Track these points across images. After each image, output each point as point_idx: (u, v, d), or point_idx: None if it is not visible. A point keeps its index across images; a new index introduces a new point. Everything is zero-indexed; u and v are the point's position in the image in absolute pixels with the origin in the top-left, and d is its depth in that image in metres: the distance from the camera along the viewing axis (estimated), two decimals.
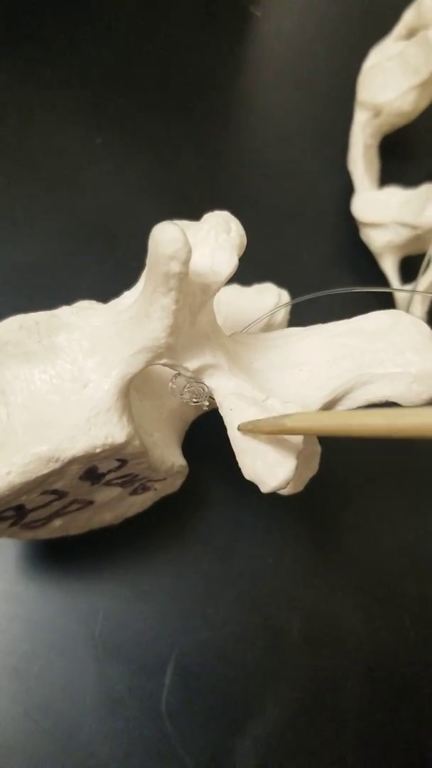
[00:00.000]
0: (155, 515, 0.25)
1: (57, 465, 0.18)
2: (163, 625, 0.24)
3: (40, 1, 0.37)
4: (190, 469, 0.23)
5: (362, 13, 0.39)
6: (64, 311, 0.20)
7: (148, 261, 0.17)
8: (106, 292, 0.22)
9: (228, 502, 0.26)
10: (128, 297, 0.21)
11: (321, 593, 0.25)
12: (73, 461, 0.19)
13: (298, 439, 0.19)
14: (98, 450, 0.19)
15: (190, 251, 0.16)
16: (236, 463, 0.21)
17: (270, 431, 0.18)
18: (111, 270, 0.29)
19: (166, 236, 0.16)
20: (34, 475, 0.18)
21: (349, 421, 0.15)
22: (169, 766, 0.22)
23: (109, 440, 0.19)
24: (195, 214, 0.21)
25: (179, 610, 0.24)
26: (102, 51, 0.36)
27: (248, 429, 0.19)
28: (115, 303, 0.21)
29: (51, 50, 0.36)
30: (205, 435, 0.24)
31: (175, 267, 0.16)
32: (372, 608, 0.25)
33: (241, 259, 0.21)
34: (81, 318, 0.20)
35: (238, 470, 0.22)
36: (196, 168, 0.34)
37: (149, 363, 0.19)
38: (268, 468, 0.19)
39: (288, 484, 0.19)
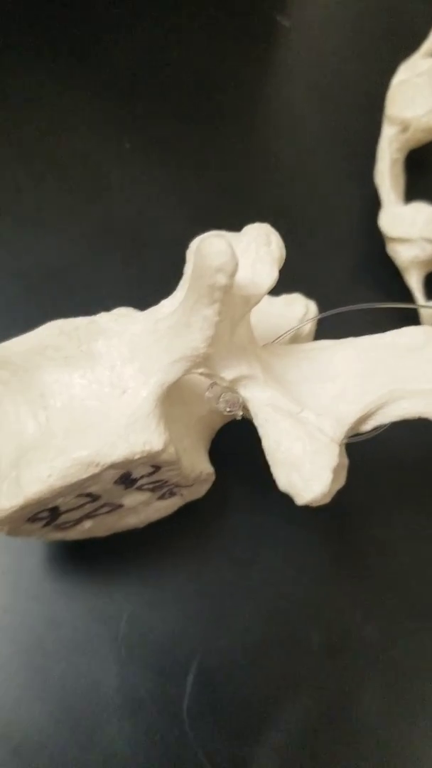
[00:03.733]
0: (179, 521, 0.25)
1: (97, 470, 0.19)
2: (184, 630, 0.24)
3: (72, 9, 0.37)
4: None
5: (390, 26, 0.39)
6: (103, 317, 0.21)
7: (193, 272, 0.17)
8: (131, 296, 0.23)
9: (250, 511, 0.27)
10: (167, 306, 0.21)
11: (341, 605, 0.26)
12: (112, 467, 0.19)
13: (335, 453, 0.20)
14: (137, 456, 0.19)
15: (237, 264, 0.17)
16: (259, 471, 0.21)
17: None
18: (137, 274, 0.29)
19: (214, 248, 0.16)
20: (74, 479, 0.19)
21: None
22: None
23: (147, 447, 0.19)
24: (219, 221, 0.21)
25: (200, 617, 0.25)
26: (132, 58, 0.36)
27: None
28: (153, 311, 0.21)
29: (82, 57, 0.36)
30: (229, 443, 0.25)
31: (222, 279, 0.17)
32: (392, 622, 0.25)
33: None
34: (120, 325, 0.20)
35: (261, 479, 0.22)
36: (222, 176, 0.34)
37: (187, 372, 0.19)
38: (304, 481, 0.19)
39: (324, 497, 0.19)
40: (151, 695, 0.23)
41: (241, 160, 0.35)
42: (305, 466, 0.19)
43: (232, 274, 0.17)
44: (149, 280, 0.24)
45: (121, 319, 0.21)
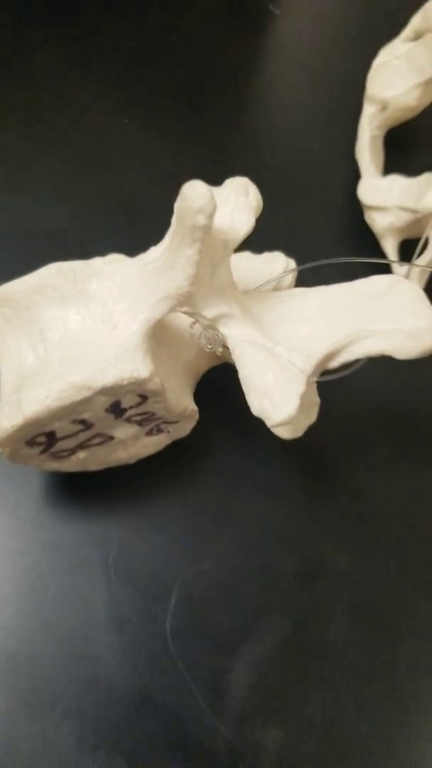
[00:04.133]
0: (166, 458, 0.27)
1: (88, 393, 0.21)
2: (169, 555, 0.27)
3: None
4: (199, 419, 0.26)
5: (373, 14, 0.42)
6: (97, 261, 0.23)
7: (176, 215, 0.20)
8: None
9: (232, 451, 0.29)
10: (154, 251, 0.24)
11: (314, 537, 0.28)
12: (102, 391, 0.21)
13: (303, 382, 0.22)
14: (125, 382, 0.21)
15: (215, 206, 0.19)
16: (242, 416, 0.23)
17: None
18: (132, 238, 0.31)
19: (195, 191, 0.19)
20: (68, 401, 0.21)
21: None
22: (171, 680, 0.25)
23: (135, 374, 0.21)
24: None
25: (184, 544, 0.27)
26: (132, 40, 0.39)
27: None
28: (142, 256, 0.24)
29: (86, 36, 0.39)
30: (215, 389, 0.27)
31: (201, 220, 0.19)
32: (360, 553, 0.28)
33: (254, 233, 0.23)
34: (112, 268, 0.23)
35: (243, 423, 0.24)
36: (215, 151, 0.37)
37: (172, 309, 0.22)
38: (274, 406, 0.22)
39: (291, 420, 0.22)
40: (137, 613, 0.26)
41: (233, 136, 0.37)
42: (276, 393, 0.22)
43: (211, 215, 0.19)
44: (142, 242, 0.26)
45: (113, 263, 0.23)
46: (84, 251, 0.31)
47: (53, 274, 0.22)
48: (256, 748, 0.24)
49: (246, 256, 0.29)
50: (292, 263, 0.28)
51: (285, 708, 0.25)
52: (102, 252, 0.24)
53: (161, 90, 0.37)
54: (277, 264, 0.28)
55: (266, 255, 0.28)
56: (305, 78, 0.40)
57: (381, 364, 0.24)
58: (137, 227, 0.33)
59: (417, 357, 0.22)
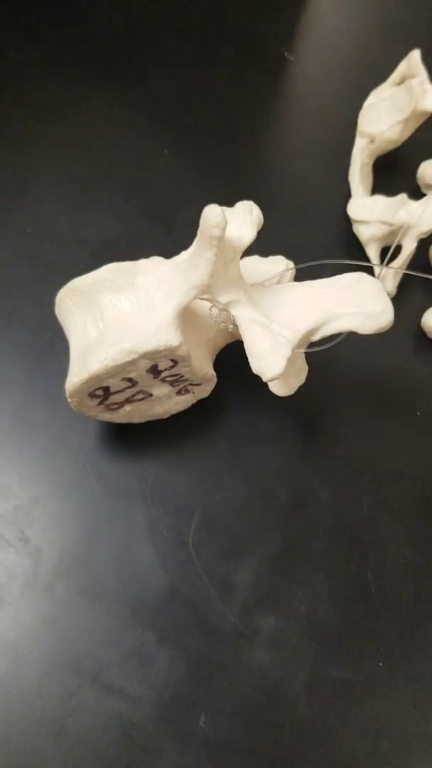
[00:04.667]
0: (192, 414, 0.35)
1: (135, 356, 0.28)
2: (192, 487, 0.34)
3: (130, 49, 0.48)
4: (217, 383, 0.33)
5: (369, 63, 0.48)
6: (142, 261, 0.30)
7: (200, 228, 0.27)
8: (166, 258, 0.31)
9: (242, 408, 0.36)
10: (184, 255, 0.31)
11: (303, 474, 0.35)
12: (145, 355, 0.28)
13: (289, 348, 0.29)
14: (161, 348, 0.28)
15: (226, 222, 0.27)
16: (249, 381, 0.31)
17: None
18: (168, 244, 0.37)
19: (212, 212, 0.26)
20: (120, 362, 0.28)
21: None
22: (192, 579, 0.32)
23: (168, 343, 0.28)
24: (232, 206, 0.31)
25: (203, 479, 0.34)
26: (170, 84, 0.46)
27: None
28: (175, 258, 0.31)
29: (134, 84, 0.46)
30: (229, 362, 0.34)
31: (216, 232, 0.27)
32: (339, 486, 0.35)
33: (260, 242, 0.31)
34: (153, 265, 0.29)
35: (250, 387, 0.31)
36: (235, 175, 0.44)
37: (196, 296, 0.29)
38: (268, 365, 0.29)
39: (279, 375, 0.29)
40: (167, 529, 0.33)
41: (250, 163, 0.44)
42: (269, 356, 0.29)
43: (224, 229, 0.27)
44: (176, 247, 0.33)
45: (154, 263, 0.30)
46: (131, 254, 0.39)
47: (111, 270, 0.29)
48: (255, 630, 0.32)
49: (255, 258, 0.36)
50: (291, 264, 0.36)
51: (277, 601, 0.32)
52: (146, 255, 0.31)
53: (193, 127, 0.45)
54: (279, 265, 0.35)
55: (271, 258, 0.36)
56: (311, 114, 0.47)
57: (364, 341, 0.31)
58: (172, 236, 0.40)
59: (374, 332, 0.30)
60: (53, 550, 0.33)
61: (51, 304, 0.30)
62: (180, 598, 0.32)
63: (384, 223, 0.38)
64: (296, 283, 0.32)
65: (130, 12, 0.50)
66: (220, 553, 0.33)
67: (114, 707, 0.30)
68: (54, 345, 0.37)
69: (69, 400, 0.30)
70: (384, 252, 0.40)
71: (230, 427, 0.36)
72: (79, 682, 0.30)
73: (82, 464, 0.34)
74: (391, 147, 0.42)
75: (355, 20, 0.53)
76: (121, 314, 0.29)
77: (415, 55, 0.41)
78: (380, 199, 0.39)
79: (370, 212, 0.39)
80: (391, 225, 0.38)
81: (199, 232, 0.27)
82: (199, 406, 0.35)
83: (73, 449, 0.35)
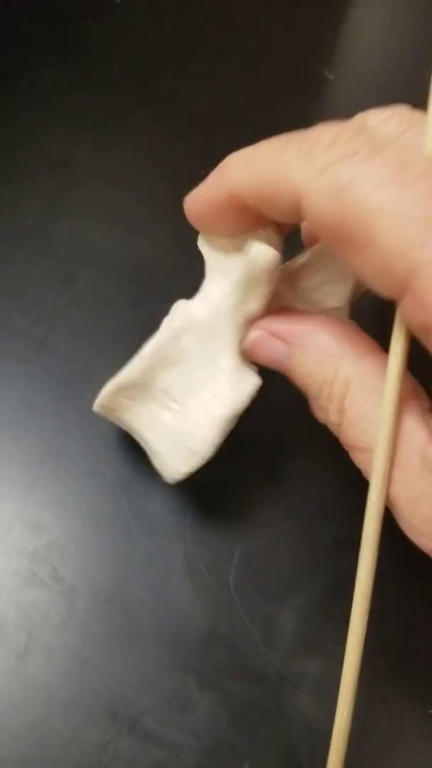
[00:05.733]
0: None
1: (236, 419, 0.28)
2: (232, 523, 0.33)
3: (162, 62, 0.47)
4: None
5: (408, 81, 0.47)
6: (175, 321, 0.28)
7: (248, 270, 0.26)
8: (197, 282, 0.30)
9: (285, 442, 0.35)
10: (212, 293, 0.29)
11: (352, 510, 0.33)
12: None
13: None
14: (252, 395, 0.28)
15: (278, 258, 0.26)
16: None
17: None
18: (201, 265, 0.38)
19: (260, 252, 0.26)
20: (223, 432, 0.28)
21: None
22: (233, 620, 0.31)
23: (255, 387, 0.28)
24: None
25: (244, 515, 0.33)
26: (207, 104, 0.46)
27: None
28: (200, 296, 0.29)
29: (170, 100, 0.46)
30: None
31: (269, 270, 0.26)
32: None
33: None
34: (186, 317, 0.28)
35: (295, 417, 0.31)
36: None
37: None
38: None
39: None
40: (207, 567, 0.32)
41: None
42: None
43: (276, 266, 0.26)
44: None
45: (185, 313, 0.29)
46: (167, 279, 0.38)
47: (152, 352, 0.29)
48: (299, 675, 0.31)
49: None
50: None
51: (322, 644, 0.31)
52: (182, 280, 0.30)
53: (231, 146, 0.44)
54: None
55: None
56: None
57: None
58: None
59: None
60: (88, 589, 0.32)
61: (85, 330, 0.29)
62: (221, 640, 0.31)
63: None
64: None
65: (165, 29, 0.49)
66: (262, 593, 0.32)
67: (153, 756, 0.29)
68: (86, 373, 0.36)
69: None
70: None
71: (272, 459, 0.35)
72: (116, 728, 0.29)
73: (117, 498, 0.33)
74: None
75: (394, 38, 0.52)
76: (188, 383, 0.29)
77: None
78: None
79: None
80: None
81: (246, 272, 0.27)
82: (238, 434, 0.34)
83: (108, 482, 0.34)
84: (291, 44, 0.50)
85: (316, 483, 0.34)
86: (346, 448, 0.26)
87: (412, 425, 0.23)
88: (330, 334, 0.26)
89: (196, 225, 0.28)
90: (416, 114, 0.25)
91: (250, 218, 0.26)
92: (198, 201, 0.27)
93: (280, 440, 0.35)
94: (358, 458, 0.25)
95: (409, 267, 0.19)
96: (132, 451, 0.34)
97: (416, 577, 0.32)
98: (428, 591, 0.32)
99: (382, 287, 0.21)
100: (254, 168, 0.24)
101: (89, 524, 0.33)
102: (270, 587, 0.32)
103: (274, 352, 0.27)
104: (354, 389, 0.24)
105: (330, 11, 0.52)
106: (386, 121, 0.25)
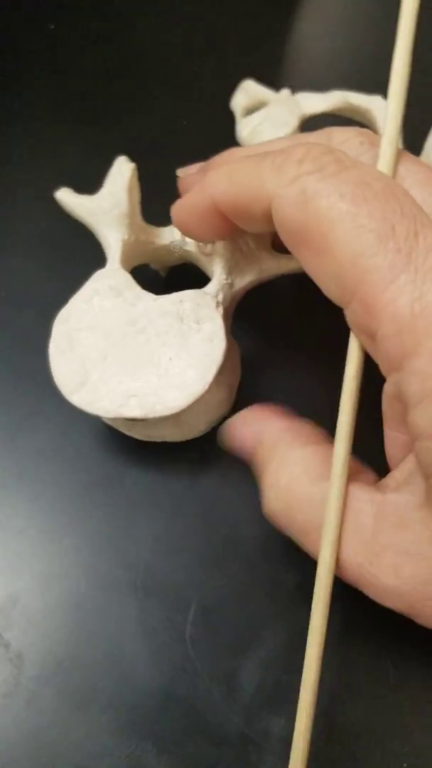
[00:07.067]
0: (184, 493, 0.32)
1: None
2: (187, 574, 0.31)
3: (103, 85, 0.46)
4: (213, 460, 0.31)
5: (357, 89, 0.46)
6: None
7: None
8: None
9: (245, 485, 0.33)
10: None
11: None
12: None
13: None
14: None
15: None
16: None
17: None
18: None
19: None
20: None
21: None
22: (191, 678, 0.29)
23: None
24: None
25: (200, 565, 0.31)
26: (149, 125, 0.45)
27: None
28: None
29: (111, 123, 0.45)
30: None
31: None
32: None
33: None
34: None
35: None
36: None
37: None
38: None
39: None
40: (161, 623, 0.30)
41: None
42: None
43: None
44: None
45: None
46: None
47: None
48: (263, 734, 0.29)
49: None
50: None
51: (287, 700, 0.29)
52: None
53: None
54: None
55: None
56: None
57: None
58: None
59: None
60: (36, 654, 0.30)
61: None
62: (178, 701, 0.29)
63: None
64: None
65: (103, 54, 0.48)
66: (221, 648, 0.30)
67: None
68: (29, 420, 0.34)
69: None
70: None
71: (229, 505, 0.33)
72: None
73: (64, 554, 0.32)
74: None
75: (344, 49, 0.51)
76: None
77: (249, 84, 0.42)
78: None
79: None
80: None
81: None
82: (193, 482, 0.32)
83: (55, 538, 0.32)
84: (239, 60, 0.48)
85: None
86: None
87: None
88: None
89: (181, 230, 0.30)
90: (375, 137, 0.27)
91: (229, 226, 0.28)
92: (183, 209, 0.29)
93: (241, 485, 0.34)
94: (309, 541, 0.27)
95: (359, 273, 0.21)
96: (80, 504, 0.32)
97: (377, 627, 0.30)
98: (391, 634, 0.30)
99: (334, 292, 0.23)
100: (234, 179, 0.26)
101: (35, 584, 0.31)
102: (229, 642, 0.30)
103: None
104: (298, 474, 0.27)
105: (278, 24, 0.51)
106: (348, 141, 0.27)
